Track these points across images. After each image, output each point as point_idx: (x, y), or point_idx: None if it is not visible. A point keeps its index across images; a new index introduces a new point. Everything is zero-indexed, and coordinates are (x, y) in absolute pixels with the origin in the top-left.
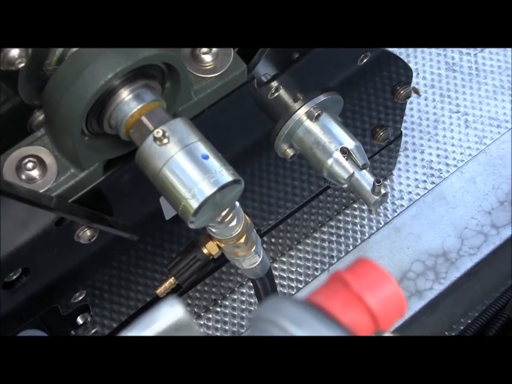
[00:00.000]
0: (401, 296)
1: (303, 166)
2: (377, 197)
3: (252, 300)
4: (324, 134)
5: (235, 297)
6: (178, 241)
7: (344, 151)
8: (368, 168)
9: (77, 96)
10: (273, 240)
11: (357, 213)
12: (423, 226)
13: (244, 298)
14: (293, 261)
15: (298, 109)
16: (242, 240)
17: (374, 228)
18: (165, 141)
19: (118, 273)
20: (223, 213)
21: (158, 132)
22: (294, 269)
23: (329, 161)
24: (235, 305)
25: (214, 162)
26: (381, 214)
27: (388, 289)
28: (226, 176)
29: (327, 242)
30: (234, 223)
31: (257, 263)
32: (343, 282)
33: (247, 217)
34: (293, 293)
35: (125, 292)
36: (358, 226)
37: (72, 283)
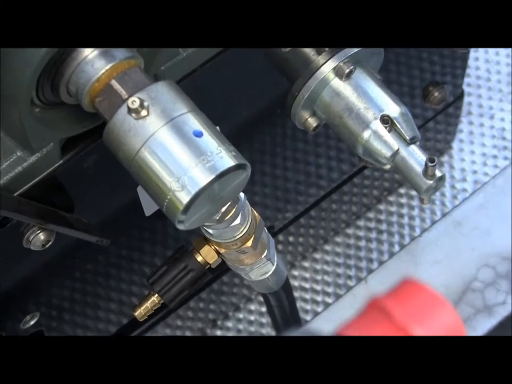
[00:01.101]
0: (459, 326)
1: (330, 139)
2: (431, 182)
3: (264, 320)
4: (358, 98)
5: (241, 316)
6: (163, 244)
7: (386, 120)
8: (418, 143)
9: (24, 54)
10: (291, 239)
11: (403, 200)
12: (492, 219)
13: (252, 318)
14: (318, 267)
15: (323, 64)
16: (249, 243)
17: (427, 222)
18: (144, 113)
19: (83, 286)
20: (223, 209)
21: (134, 101)
22: (319, 278)
23: (366, 134)
24: (240, 327)
25: (210, 141)
26: (436, 203)
27: (441, 319)
28: (226, 159)
29: (364, 241)
30: (238, 221)
31: (270, 273)
32: (384, 311)
33: (255, 212)
34: (319, 310)
35: (92, 311)
36: (406, 219)
37: (21, 302)
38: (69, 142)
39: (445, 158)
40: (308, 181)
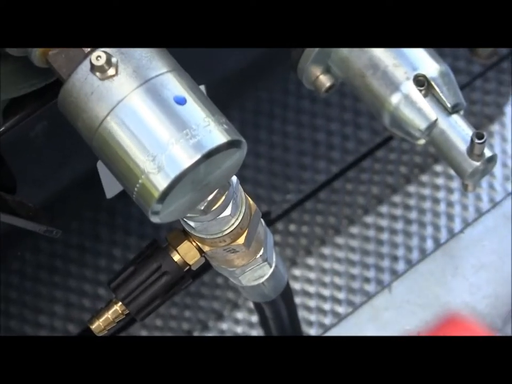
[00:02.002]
0: None
1: (346, 98)
2: (478, 163)
3: (254, 333)
4: (386, 51)
5: (224, 327)
6: (129, 234)
7: (421, 82)
8: (463, 111)
9: None
10: (292, 228)
11: (440, 181)
12: None
13: (238, 330)
14: (326, 266)
15: None
16: (241, 240)
17: (471, 214)
18: (111, 71)
19: (20, 282)
20: (210, 197)
21: (99, 57)
22: (328, 280)
23: (395, 99)
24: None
25: (195, 110)
26: (483, 188)
27: None
28: (216, 134)
29: (387, 234)
30: (227, 212)
31: (266, 277)
32: None
33: (250, 200)
34: (326, 322)
35: (31, 313)
36: (442, 206)
37: None
38: (13, 104)
39: (495, 127)
40: (316, 153)
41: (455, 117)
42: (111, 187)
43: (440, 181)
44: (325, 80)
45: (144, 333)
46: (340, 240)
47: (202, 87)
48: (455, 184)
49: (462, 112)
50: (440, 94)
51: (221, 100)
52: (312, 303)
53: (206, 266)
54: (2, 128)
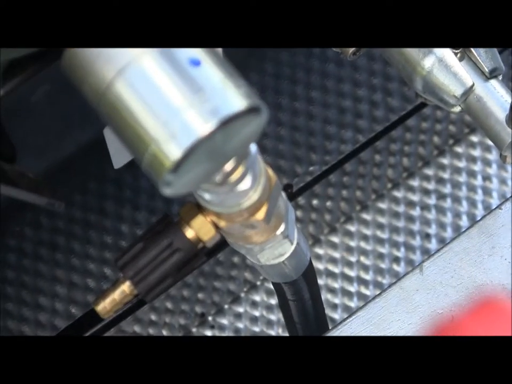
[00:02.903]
0: None
1: (374, 62)
2: None
3: (273, 317)
4: None
5: (240, 310)
6: (137, 209)
7: None
8: (501, 77)
9: None
10: (315, 203)
11: (476, 153)
12: None
13: (256, 313)
14: (352, 244)
15: None
16: (260, 215)
17: (510, 188)
18: None
19: (18, 261)
20: (227, 167)
21: None
22: (354, 259)
23: (428, 63)
24: (239, 325)
25: (211, 72)
26: None
27: None
28: (234, 99)
29: (418, 209)
30: (246, 184)
31: (287, 256)
32: None
33: (270, 171)
34: (353, 306)
35: (31, 297)
36: (479, 180)
37: None
38: (13, 65)
39: None
40: (341, 121)
41: (493, 82)
42: (119, 156)
43: (476, 152)
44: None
45: (153, 316)
46: (367, 216)
47: (218, 49)
48: (493, 155)
49: (500, 77)
50: (477, 57)
51: (239, 63)
52: (336, 284)
53: (221, 244)
54: (1, 92)
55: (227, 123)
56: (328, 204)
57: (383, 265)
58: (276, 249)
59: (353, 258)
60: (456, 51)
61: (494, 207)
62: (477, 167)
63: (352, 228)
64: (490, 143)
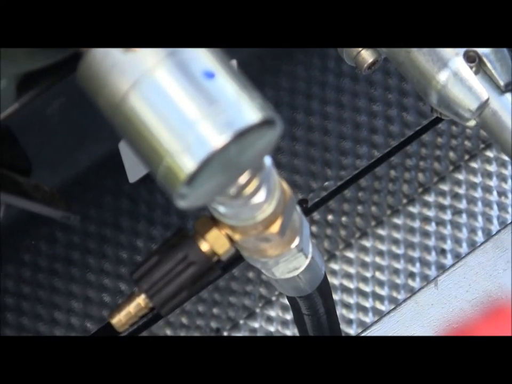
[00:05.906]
0: None
1: (390, 76)
2: None
3: (288, 333)
4: None
5: (255, 325)
6: (152, 224)
7: (472, 58)
8: None
9: None
10: (330, 218)
11: (492, 168)
12: None
13: (271, 329)
14: (367, 259)
15: None
16: (275, 228)
17: None
18: None
19: (33, 275)
20: (242, 180)
21: None
22: (369, 275)
23: (443, 77)
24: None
25: (225, 84)
26: None
27: None
28: (249, 111)
29: (433, 225)
30: (260, 197)
31: (301, 269)
32: None
33: (284, 184)
34: (368, 321)
35: (45, 310)
36: (495, 195)
37: None
38: (28, 78)
39: None
40: (357, 136)
41: (508, 96)
42: (134, 170)
43: (492, 167)
44: (367, 56)
45: (168, 331)
46: (382, 231)
47: (233, 62)
48: (508, 171)
49: None
50: (493, 71)
51: (254, 77)
52: (351, 300)
53: (236, 259)
54: (16, 105)
55: (242, 135)
56: (343, 219)
57: (398, 281)
58: (291, 262)
59: (368, 274)
60: (472, 64)
61: (509, 222)
62: (493, 182)
63: (367, 243)
64: (505, 158)
